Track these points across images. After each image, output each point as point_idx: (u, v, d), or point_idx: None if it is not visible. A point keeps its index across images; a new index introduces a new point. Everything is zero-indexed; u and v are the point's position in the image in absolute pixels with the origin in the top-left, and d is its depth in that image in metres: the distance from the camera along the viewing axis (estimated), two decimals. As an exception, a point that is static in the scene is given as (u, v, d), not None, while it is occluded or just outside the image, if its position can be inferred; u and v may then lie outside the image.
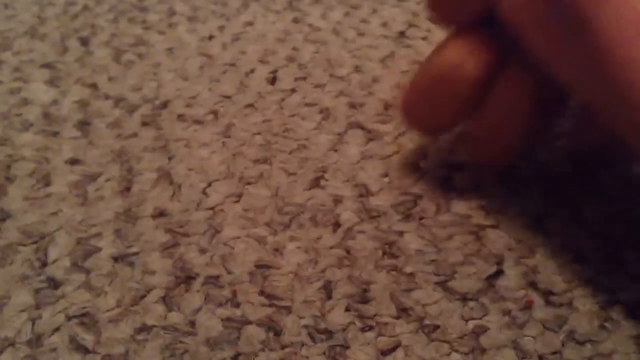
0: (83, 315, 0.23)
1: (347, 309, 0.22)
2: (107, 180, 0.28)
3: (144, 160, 0.29)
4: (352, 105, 0.32)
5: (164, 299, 0.23)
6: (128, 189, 0.28)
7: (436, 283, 0.23)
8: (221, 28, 0.38)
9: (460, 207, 0.26)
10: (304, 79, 0.34)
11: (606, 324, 0.22)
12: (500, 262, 0.24)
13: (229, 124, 0.31)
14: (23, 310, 0.23)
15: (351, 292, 0.23)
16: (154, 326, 0.22)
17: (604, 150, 0.28)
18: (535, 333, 0.22)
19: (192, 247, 0.25)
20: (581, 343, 0.21)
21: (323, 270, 0.24)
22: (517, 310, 0.22)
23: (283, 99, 0.32)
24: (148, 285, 0.24)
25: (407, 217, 0.26)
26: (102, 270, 0.24)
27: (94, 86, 0.34)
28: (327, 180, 0.28)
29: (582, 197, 0.26)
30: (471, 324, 0.22)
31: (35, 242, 0.25)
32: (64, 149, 0.30)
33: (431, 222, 0.25)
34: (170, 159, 0.29)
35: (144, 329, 0.22)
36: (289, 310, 0.23)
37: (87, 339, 0.22)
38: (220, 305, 0.23)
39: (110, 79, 0.34)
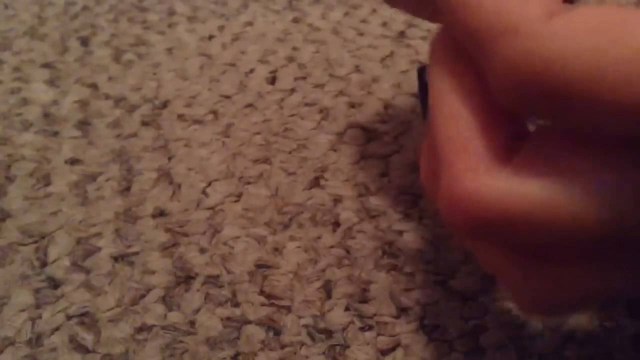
0: (83, 314, 0.23)
1: (346, 309, 0.22)
2: (107, 180, 0.28)
3: (144, 160, 0.29)
4: (352, 105, 0.32)
5: (163, 299, 0.23)
6: (128, 188, 0.28)
7: (436, 282, 0.23)
8: (221, 28, 0.38)
9: (460, 206, 0.26)
10: (304, 78, 0.34)
11: (606, 324, 0.22)
12: (500, 261, 0.24)
13: (229, 123, 0.31)
14: (23, 310, 0.23)
15: (351, 292, 0.23)
16: (154, 326, 0.22)
17: None
18: (535, 333, 0.22)
19: (192, 246, 0.25)
20: (581, 343, 0.21)
21: (323, 270, 0.24)
22: (516, 309, 0.22)
23: (283, 99, 0.32)
24: (148, 285, 0.24)
25: (407, 216, 0.26)
26: (102, 270, 0.24)
27: (94, 86, 0.34)
28: (326, 180, 0.28)
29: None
30: (471, 324, 0.22)
31: (35, 242, 0.25)
32: (64, 148, 0.30)
33: (431, 222, 0.25)
34: (170, 158, 0.29)
35: (144, 328, 0.22)
36: (288, 309, 0.23)
37: (87, 338, 0.22)
38: (220, 304, 0.23)
39: (110, 79, 0.34)
